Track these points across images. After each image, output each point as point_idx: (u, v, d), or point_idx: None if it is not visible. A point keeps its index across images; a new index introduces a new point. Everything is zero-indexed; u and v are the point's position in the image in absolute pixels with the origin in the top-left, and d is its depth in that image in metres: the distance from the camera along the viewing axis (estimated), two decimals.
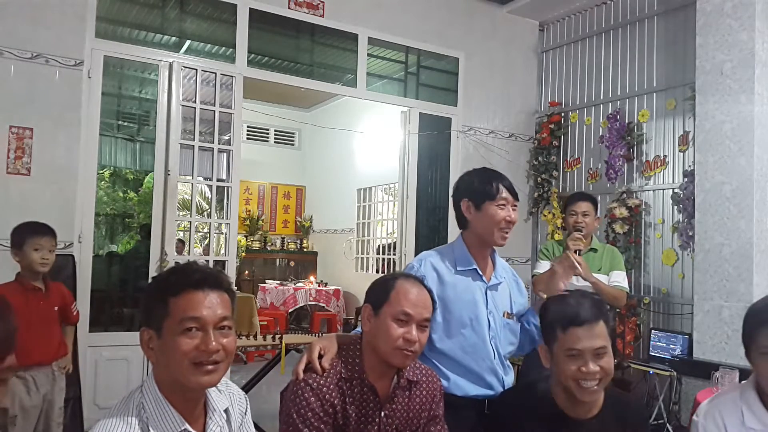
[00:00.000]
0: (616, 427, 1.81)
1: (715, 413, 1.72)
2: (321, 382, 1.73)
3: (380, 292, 1.79)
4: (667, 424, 4.29)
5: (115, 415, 1.30)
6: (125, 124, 4.83)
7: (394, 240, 6.79)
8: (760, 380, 1.66)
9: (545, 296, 2.14)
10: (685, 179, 4.78)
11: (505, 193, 2.12)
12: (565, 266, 2.21)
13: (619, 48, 5.56)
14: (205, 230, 6.56)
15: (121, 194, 5.42)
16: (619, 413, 1.83)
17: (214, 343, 1.32)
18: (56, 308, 3.23)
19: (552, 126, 5.97)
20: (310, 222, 10.15)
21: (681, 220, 4.86)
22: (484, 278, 2.16)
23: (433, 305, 1.82)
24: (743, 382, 1.78)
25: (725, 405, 1.73)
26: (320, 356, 1.77)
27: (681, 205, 4.84)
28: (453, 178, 5.37)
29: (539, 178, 6.02)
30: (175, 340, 1.31)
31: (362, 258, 8.80)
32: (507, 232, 2.13)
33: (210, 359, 1.32)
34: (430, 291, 1.84)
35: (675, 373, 4.31)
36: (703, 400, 2.76)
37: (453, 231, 2.32)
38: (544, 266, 3.52)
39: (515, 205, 2.15)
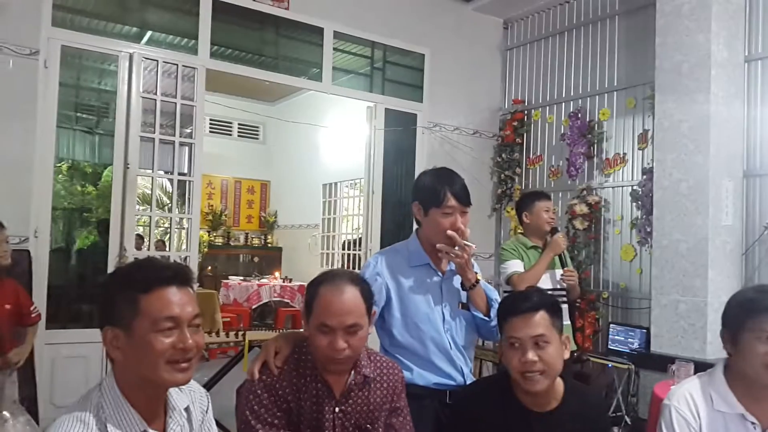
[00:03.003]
0: (575, 419, 1.84)
1: (687, 396, 1.78)
2: (275, 379, 1.72)
3: (307, 301, 1.75)
4: (626, 416, 4.39)
5: (71, 415, 1.27)
6: (84, 115, 4.70)
7: (360, 236, 6.78)
8: (747, 363, 1.70)
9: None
10: (644, 176, 4.89)
11: (452, 201, 2.10)
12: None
13: (581, 47, 5.64)
14: (166, 225, 6.45)
15: (79, 188, 5.27)
16: (578, 405, 1.87)
17: (190, 341, 1.31)
18: (8, 306, 3.13)
19: (515, 123, 6.04)
20: (275, 217, 10.07)
21: (639, 217, 4.97)
22: (438, 272, 2.19)
23: (369, 302, 1.75)
24: (710, 369, 1.83)
25: (695, 390, 1.79)
26: (276, 355, 1.77)
27: (639, 202, 4.95)
28: (418, 174, 5.39)
29: (503, 175, 6.08)
30: (148, 339, 1.28)
31: (328, 253, 8.77)
32: None
33: (185, 357, 1.31)
34: (364, 287, 1.76)
35: (633, 366, 4.41)
36: (660, 393, 2.85)
37: None
38: (518, 264, 3.57)
39: (465, 211, 2.13)
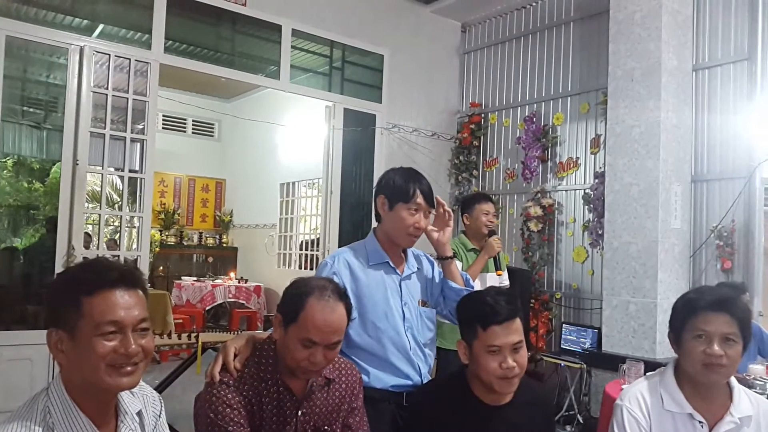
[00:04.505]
0: (526, 409, 1.91)
1: (638, 396, 1.82)
2: (236, 381, 1.69)
3: (290, 309, 1.69)
4: (578, 415, 4.49)
5: (16, 421, 1.22)
6: (31, 110, 4.53)
7: (318, 236, 6.74)
8: (688, 362, 1.75)
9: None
10: (596, 180, 5.00)
11: (419, 199, 2.12)
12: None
13: (537, 52, 5.74)
14: (116, 224, 6.27)
15: (25, 184, 5.08)
16: (530, 399, 1.94)
17: (134, 346, 1.27)
18: None
19: (473, 126, 6.11)
20: (230, 216, 9.91)
21: (591, 219, 5.08)
22: (397, 271, 2.19)
23: (348, 316, 1.74)
24: (661, 369, 1.87)
25: (646, 390, 1.83)
26: (235, 357, 1.73)
27: (591, 205, 5.06)
28: (377, 175, 5.38)
29: (460, 177, 6.14)
30: (91, 342, 1.24)
31: (285, 254, 8.69)
32: (415, 237, 2.16)
33: (129, 361, 1.27)
34: (346, 300, 1.75)
35: (585, 366, 4.51)
36: (611, 392, 2.91)
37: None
38: (457, 265, 3.59)
39: (429, 212, 2.17)
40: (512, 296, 1.96)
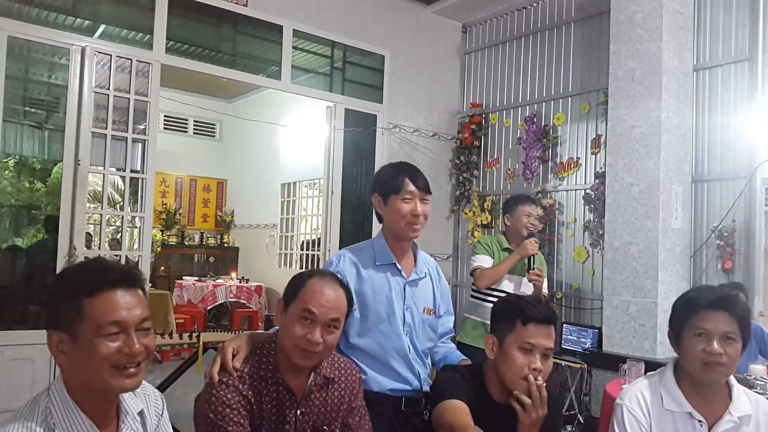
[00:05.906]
0: None
1: (638, 395, 1.82)
2: (236, 380, 1.69)
3: (292, 289, 1.75)
4: (579, 415, 4.49)
5: (17, 421, 1.22)
6: (32, 110, 4.53)
7: (319, 236, 6.75)
8: (688, 361, 1.76)
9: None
10: (596, 180, 5.00)
11: (410, 187, 2.11)
12: None
13: (537, 52, 5.74)
14: (117, 224, 6.28)
15: (27, 184, 5.09)
16: None
17: (137, 345, 1.27)
18: None
19: (473, 126, 6.11)
20: (232, 217, 9.92)
21: (592, 220, 5.08)
22: (403, 273, 2.16)
23: (349, 306, 1.78)
24: (661, 368, 1.88)
25: (646, 389, 1.84)
26: (233, 357, 1.73)
27: (592, 205, 5.07)
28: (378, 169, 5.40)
29: (461, 177, 6.14)
30: (93, 343, 1.23)
31: (286, 254, 8.70)
32: (416, 225, 2.12)
33: (132, 361, 1.27)
34: (348, 291, 1.79)
35: (585, 366, 4.51)
36: (612, 392, 2.92)
37: (377, 227, 2.31)
38: (487, 260, 3.59)
39: (425, 199, 2.14)
40: (550, 306, 1.97)
